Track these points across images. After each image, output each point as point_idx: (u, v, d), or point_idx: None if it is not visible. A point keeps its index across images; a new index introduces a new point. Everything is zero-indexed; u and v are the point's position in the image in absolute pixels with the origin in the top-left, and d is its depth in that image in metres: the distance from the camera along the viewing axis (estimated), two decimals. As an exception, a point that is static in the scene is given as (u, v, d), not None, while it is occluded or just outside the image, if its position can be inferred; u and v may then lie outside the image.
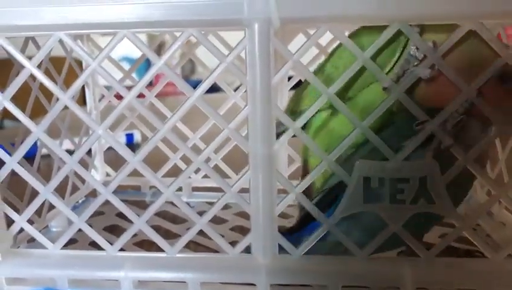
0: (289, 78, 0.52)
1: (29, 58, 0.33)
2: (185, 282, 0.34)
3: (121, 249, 0.35)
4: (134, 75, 0.53)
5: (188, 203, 0.50)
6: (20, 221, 0.35)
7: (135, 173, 0.35)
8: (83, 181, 0.52)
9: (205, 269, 0.34)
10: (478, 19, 0.30)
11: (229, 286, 0.34)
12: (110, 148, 0.52)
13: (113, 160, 0.53)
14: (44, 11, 0.31)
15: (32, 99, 0.41)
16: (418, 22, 0.31)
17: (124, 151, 0.33)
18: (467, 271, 0.32)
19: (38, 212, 0.42)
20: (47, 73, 0.41)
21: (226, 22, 0.31)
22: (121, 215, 0.47)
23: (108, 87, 0.49)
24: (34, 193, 0.35)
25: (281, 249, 0.34)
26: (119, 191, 0.55)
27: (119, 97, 0.40)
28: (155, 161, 0.45)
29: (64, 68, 0.46)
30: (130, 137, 0.85)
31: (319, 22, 0.30)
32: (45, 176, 0.39)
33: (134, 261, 0.35)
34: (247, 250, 0.34)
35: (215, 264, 0.34)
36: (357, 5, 0.29)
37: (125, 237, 0.35)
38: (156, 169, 0.53)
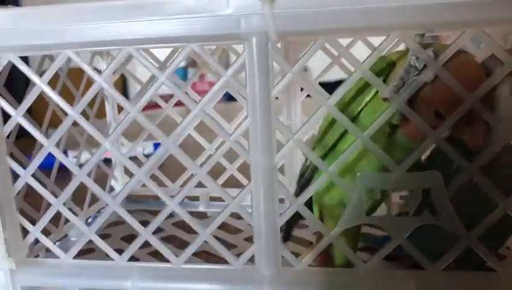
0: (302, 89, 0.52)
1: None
2: (189, 292, 0.35)
3: (135, 259, 0.36)
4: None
5: (205, 213, 0.52)
6: (35, 232, 0.37)
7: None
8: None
9: (210, 280, 0.34)
10: (480, 26, 0.29)
11: (233, 297, 0.34)
12: (131, 158, 0.54)
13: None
14: (53, 30, 0.32)
15: (50, 114, 0.42)
16: (417, 31, 0.30)
17: (130, 164, 0.34)
18: (472, 285, 0.32)
19: (56, 223, 0.43)
20: (64, 87, 0.43)
21: (225, 36, 0.31)
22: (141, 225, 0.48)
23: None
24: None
25: (285, 260, 0.34)
26: (140, 201, 0.57)
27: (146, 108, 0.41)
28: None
29: (83, 79, 0.48)
30: (157, 146, 0.86)
31: (316, 35, 0.31)
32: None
33: (142, 271, 0.35)
34: (252, 260, 0.34)
35: (220, 275, 0.35)
36: (354, 16, 0.29)
37: (132, 248, 0.35)
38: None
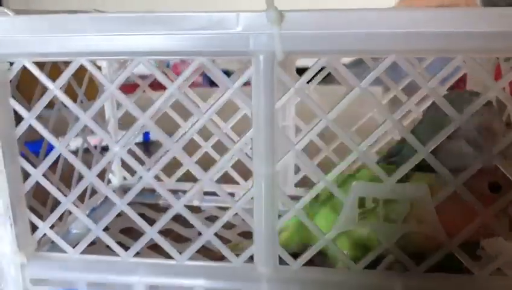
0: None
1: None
2: (192, 288, 0.37)
3: (137, 254, 0.38)
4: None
5: (199, 207, 0.54)
6: (44, 227, 0.39)
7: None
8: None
9: (211, 277, 0.37)
10: (470, 53, 0.32)
11: (233, 293, 0.37)
12: (128, 152, 0.55)
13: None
14: (67, 39, 0.34)
15: (56, 113, 0.44)
16: (413, 55, 0.33)
17: (138, 167, 0.36)
18: (453, 286, 0.35)
19: (60, 217, 0.45)
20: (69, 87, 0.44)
21: (233, 53, 0.33)
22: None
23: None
24: (57, 198, 0.38)
25: (282, 260, 0.36)
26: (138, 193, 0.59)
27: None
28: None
29: (85, 78, 0.49)
30: (146, 135, 0.88)
31: (320, 54, 0.33)
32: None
33: (147, 267, 0.38)
34: (252, 258, 0.37)
35: (220, 272, 0.37)
36: (355, 39, 0.31)
37: (138, 245, 0.38)
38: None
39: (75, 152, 0.39)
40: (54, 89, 0.35)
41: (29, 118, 0.36)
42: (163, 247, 0.37)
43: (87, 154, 0.51)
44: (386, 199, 0.34)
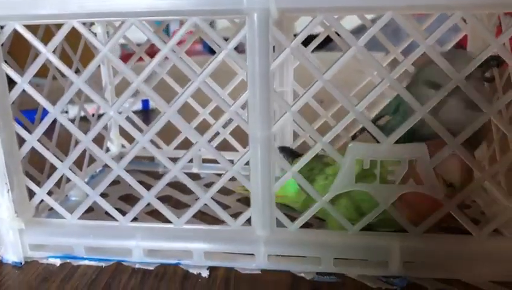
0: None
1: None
2: (190, 251, 0.37)
3: (134, 219, 0.38)
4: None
5: (198, 174, 0.54)
6: (41, 193, 0.38)
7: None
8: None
9: (209, 240, 0.37)
10: (470, 9, 0.31)
11: (230, 256, 0.37)
12: (127, 120, 0.55)
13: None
14: (59, 1, 0.33)
15: (50, 80, 0.43)
16: (409, 11, 0.32)
17: (133, 132, 0.36)
18: (451, 247, 0.35)
19: (58, 183, 0.45)
20: (64, 53, 0.43)
21: (227, 11, 0.32)
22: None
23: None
24: (53, 165, 0.38)
25: (279, 223, 0.36)
26: (135, 161, 0.59)
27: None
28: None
29: (80, 44, 0.49)
30: (146, 103, 0.88)
31: (314, 12, 0.32)
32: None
33: (145, 231, 0.38)
34: (249, 222, 0.37)
35: (218, 235, 0.37)
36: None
37: (136, 210, 0.37)
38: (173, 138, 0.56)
39: (73, 121, 0.39)
40: (46, 52, 0.35)
41: (22, 83, 0.36)
42: (161, 211, 0.37)
43: (85, 123, 0.50)
44: (384, 160, 0.34)
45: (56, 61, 0.35)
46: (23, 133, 0.37)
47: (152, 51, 0.49)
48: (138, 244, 0.38)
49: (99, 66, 0.54)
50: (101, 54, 0.35)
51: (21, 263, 0.39)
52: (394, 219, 0.35)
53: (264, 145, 0.34)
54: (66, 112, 0.77)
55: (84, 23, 0.35)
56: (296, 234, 0.36)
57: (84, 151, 0.51)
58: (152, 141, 0.37)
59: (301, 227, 0.36)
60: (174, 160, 0.34)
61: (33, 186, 0.39)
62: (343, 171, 0.34)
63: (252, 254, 0.37)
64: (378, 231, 0.36)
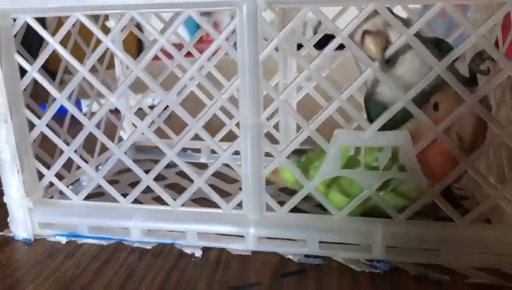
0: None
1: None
2: (184, 232, 0.39)
3: (139, 203, 0.41)
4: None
5: (206, 164, 0.56)
6: (49, 175, 0.41)
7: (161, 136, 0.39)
8: (113, 141, 0.57)
9: (202, 222, 0.39)
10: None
11: (222, 237, 0.39)
12: (139, 110, 0.58)
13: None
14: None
15: (62, 69, 0.46)
16: (392, 3, 0.33)
17: (132, 117, 0.38)
18: (433, 233, 0.36)
19: (69, 168, 0.48)
20: (76, 45, 0.46)
21: (218, 3, 0.34)
22: (146, 173, 0.53)
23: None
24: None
25: (268, 207, 0.38)
26: (147, 150, 0.62)
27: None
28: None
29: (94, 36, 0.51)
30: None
31: (301, 4, 0.33)
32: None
33: (143, 212, 0.40)
34: (240, 206, 0.39)
35: (211, 217, 0.39)
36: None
37: (135, 192, 0.40)
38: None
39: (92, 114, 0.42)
40: (53, 42, 0.37)
41: (32, 71, 0.38)
42: (159, 193, 0.39)
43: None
44: (368, 147, 0.35)
45: (62, 51, 0.38)
46: (33, 118, 0.40)
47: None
48: (136, 224, 0.40)
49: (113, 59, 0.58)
50: (102, 45, 0.37)
51: (30, 240, 0.41)
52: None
53: (254, 132, 0.36)
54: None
55: (97, 18, 0.37)
56: (285, 218, 0.38)
57: (96, 140, 0.54)
58: (163, 132, 0.39)
59: (289, 211, 0.38)
60: (185, 150, 0.36)
61: (42, 169, 0.41)
62: (329, 158, 0.36)
63: (243, 236, 0.38)
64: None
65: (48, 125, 0.40)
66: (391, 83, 0.34)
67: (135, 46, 1.92)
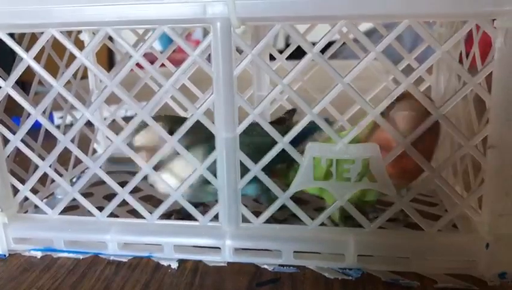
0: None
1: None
2: (161, 245, 0.40)
3: (115, 216, 0.41)
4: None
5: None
6: (24, 190, 0.41)
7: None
8: (87, 153, 0.57)
9: (179, 235, 0.39)
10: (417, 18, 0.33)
11: (198, 249, 0.40)
12: (112, 122, 0.58)
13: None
14: (38, 11, 0.36)
15: (36, 84, 0.46)
16: (361, 20, 0.34)
17: (109, 133, 0.38)
18: (404, 241, 0.37)
19: (44, 182, 0.48)
20: (48, 57, 0.46)
21: (192, 20, 0.35)
22: (120, 185, 0.53)
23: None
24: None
25: (244, 218, 0.39)
26: (122, 162, 0.62)
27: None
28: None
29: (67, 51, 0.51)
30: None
31: (272, 21, 0.34)
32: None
33: (120, 226, 0.40)
34: (217, 217, 0.39)
35: (187, 230, 0.40)
36: (306, 6, 0.33)
37: (111, 206, 0.40)
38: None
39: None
40: (27, 58, 0.37)
41: (6, 86, 0.38)
42: (135, 207, 0.40)
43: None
44: (340, 159, 0.36)
45: (36, 67, 0.38)
46: (7, 133, 0.40)
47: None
48: (113, 238, 0.40)
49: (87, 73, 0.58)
50: (77, 60, 0.37)
51: (5, 256, 0.41)
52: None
53: (229, 145, 0.37)
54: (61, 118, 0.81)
55: (70, 31, 0.37)
56: (260, 229, 0.39)
57: (70, 152, 0.54)
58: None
59: (264, 222, 0.39)
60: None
61: (17, 184, 0.41)
62: (302, 169, 0.37)
63: (219, 248, 0.39)
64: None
65: (22, 140, 0.40)
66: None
67: (106, 56, 1.91)
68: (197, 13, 0.34)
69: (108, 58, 1.89)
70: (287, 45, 0.52)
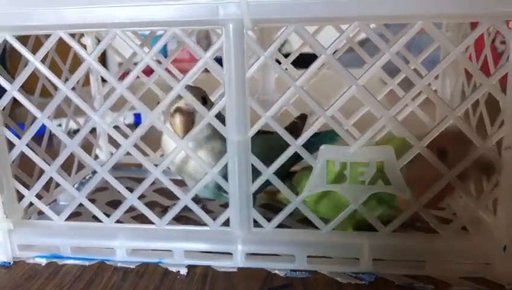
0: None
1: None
2: (171, 251, 0.39)
3: (119, 222, 0.40)
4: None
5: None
6: (29, 196, 0.40)
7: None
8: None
9: (189, 240, 0.39)
10: (431, 19, 0.33)
11: (209, 255, 0.39)
12: (115, 128, 0.57)
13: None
14: (46, 13, 0.35)
15: (40, 87, 0.45)
16: (375, 21, 0.34)
17: (117, 136, 0.38)
18: (418, 244, 0.36)
19: (47, 188, 0.47)
20: (53, 63, 0.45)
21: (205, 22, 0.34)
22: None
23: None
24: (43, 170, 0.40)
25: (256, 223, 0.38)
26: (124, 168, 0.61)
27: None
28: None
29: (70, 53, 0.51)
30: (137, 116, 0.90)
31: (286, 23, 0.34)
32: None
33: (128, 232, 0.40)
34: (228, 223, 0.39)
35: (198, 235, 0.39)
36: (320, 7, 0.33)
37: (119, 211, 0.39)
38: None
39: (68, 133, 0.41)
40: (34, 61, 0.37)
41: (12, 90, 0.38)
42: (143, 212, 0.39)
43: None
44: (354, 162, 0.36)
45: (43, 69, 0.37)
46: (12, 138, 0.39)
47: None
48: (121, 244, 0.39)
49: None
50: (85, 63, 0.37)
51: (10, 263, 0.40)
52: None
53: (241, 148, 0.36)
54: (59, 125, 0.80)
55: (73, 35, 0.37)
56: (272, 234, 0.38)
57: (74, 157, 0.53)
58: (140, 149, 0.39)
59: (276, 227, 0.38)
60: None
61: (22, 189, 0.40)
62: (316, 172, 0.36)
63: (230, 253, 0.38)
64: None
65: (27, 145, 0.39)
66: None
67: (100, 58, 1.90)
68: (209, 14, 0.34)
69: (102, 62, 1.89)
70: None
